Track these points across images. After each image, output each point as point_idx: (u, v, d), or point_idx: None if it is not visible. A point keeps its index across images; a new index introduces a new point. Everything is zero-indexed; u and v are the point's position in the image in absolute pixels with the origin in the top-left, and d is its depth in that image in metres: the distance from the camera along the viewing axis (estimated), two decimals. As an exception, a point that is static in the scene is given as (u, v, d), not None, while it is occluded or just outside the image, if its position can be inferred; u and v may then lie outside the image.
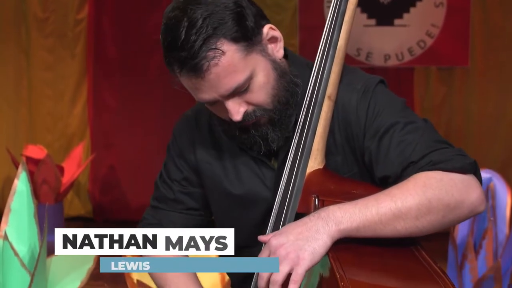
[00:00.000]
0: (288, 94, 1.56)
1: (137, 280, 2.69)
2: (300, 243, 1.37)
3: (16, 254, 2.65)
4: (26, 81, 6.71)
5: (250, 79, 1.50)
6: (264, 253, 1.42)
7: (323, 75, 1.52)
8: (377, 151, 1.53)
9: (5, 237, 2.65)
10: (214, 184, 1.72)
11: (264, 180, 1.65)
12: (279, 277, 1.37)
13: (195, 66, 1.46)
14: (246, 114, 1.53)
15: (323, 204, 1.48)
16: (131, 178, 6.64)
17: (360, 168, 1.60)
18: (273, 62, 1.54)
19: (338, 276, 1.27)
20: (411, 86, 6.12)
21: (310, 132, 1.50)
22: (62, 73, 6.67)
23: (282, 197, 1.53)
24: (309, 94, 1.54)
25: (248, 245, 1.70)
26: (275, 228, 1.52)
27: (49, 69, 6.68)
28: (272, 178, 1.63)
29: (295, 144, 1.53)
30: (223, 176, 1.70)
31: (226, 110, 1.53)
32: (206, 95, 1.51)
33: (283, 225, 1.50)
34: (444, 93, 6.15)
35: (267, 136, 1.56)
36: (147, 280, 2.82)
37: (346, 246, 1.39)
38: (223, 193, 1.71)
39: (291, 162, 1.52)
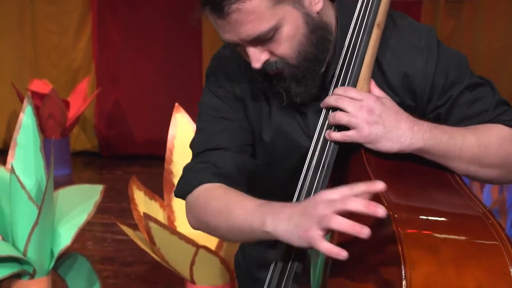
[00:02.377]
0: (318, 51, 1.49)
1: (144, 213, 2.71)
2: (381, 127, 1.40)
3: (23, 187, 2.66)
4: (30, 15, 6.66)
5: (275, 29, 1.44)
6: (364, 98, 1.42)
7: (373, 3, 1.48)
8: (451, 109, 1.53)
9: (12, 171, 2.66)
10: (248, 124, 1.65)
11: (302, 126, 1.59)
12: (343, 116, 1.41)
13: (217, 5, 1.41)
14: (267, 64, 1.48)
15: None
16: (136, 112, 6.64)
17: None
18: (307, 15, 1.47)
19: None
20: (418, 20, 5.91)
21: (358, 61, 1.46)
22: (66, 7, 6.61)
23: (322, 142, 1.47)
24: (359, 21, 1.48)
25: (273, 194, 1.53)
26: (312, 177, 1.45)
27: (52, 3, 6.63)
28: (307, 123, 1.58)
29: (343, 72, 1.48)
30: (258, 118, 1.63)
31: (247, 54, 1.49)
32: (228, 36, 1.46)
33: (324, 179, 1.44)
34: (452, 27, 6.08)
35: (289, 89, 1.51)
36: (154, 213, 2.84)
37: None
38: (256, 135, 1.65)
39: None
